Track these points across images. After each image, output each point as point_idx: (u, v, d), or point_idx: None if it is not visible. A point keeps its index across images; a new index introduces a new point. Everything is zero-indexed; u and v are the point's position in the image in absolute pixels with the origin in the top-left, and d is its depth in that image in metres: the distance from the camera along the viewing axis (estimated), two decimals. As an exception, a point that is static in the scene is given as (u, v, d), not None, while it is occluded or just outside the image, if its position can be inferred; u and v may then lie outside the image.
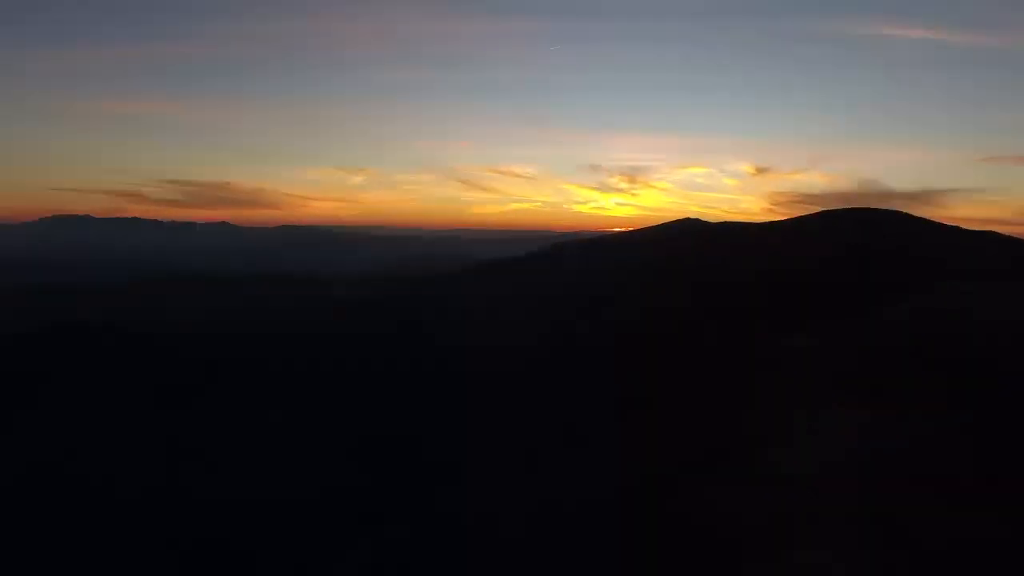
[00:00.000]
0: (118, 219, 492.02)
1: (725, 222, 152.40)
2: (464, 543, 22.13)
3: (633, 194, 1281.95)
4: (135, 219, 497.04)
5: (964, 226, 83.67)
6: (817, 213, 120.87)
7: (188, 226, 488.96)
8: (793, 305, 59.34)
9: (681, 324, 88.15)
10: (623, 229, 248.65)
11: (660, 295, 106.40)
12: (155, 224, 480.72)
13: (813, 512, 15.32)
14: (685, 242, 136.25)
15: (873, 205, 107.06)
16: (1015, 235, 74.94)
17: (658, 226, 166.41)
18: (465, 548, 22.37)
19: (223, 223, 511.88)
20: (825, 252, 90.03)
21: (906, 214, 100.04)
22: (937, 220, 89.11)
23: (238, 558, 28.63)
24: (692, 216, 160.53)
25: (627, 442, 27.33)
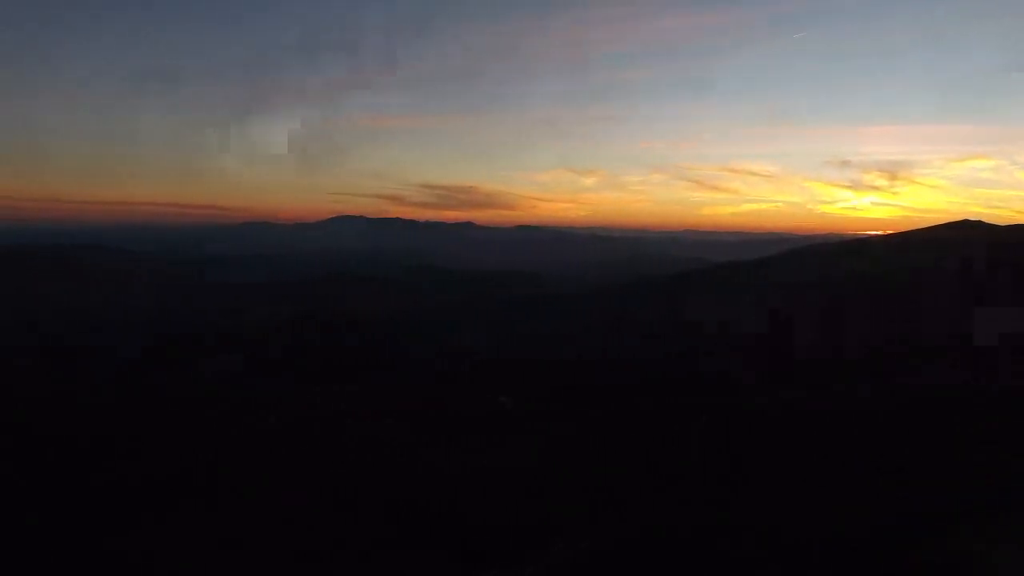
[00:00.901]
0: (383, 219, 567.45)
1: (1021, 224, 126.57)
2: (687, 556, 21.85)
3: (893, 192, 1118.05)
4: (397, 219, 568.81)
5: None
6: None
7: (438, 225, 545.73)
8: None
9: (952, 341, 75.15)
10: (880, 232, 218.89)
11: (924, 308, 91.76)
12: (412, 223, 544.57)
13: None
14: (963, 247, 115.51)
15: None
16: None
17: (927, 228, 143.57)
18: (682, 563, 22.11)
19: (467, 223, 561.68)
20: None
21: None
22: None
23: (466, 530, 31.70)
24: (972, 218, 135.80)
25: (884, 472, 24.62)
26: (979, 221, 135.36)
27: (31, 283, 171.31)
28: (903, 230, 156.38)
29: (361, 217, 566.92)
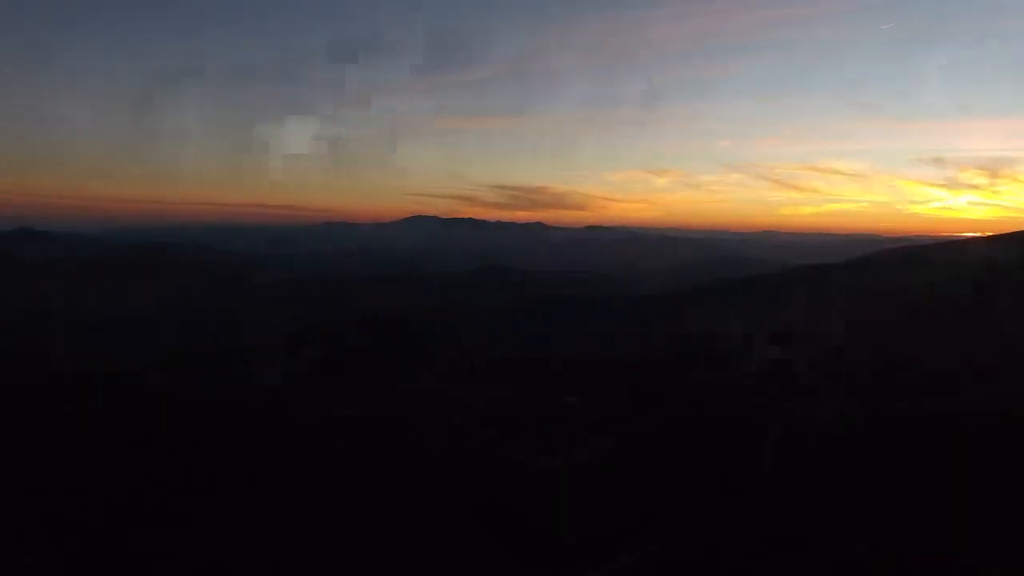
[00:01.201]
0: (456, 219, 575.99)
1: None
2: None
3: (994, 191, 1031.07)
4: (469, 219, 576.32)
5: None
6: None
7: (508, 225, 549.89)
8: None
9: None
10: (978, 234, 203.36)
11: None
12: (482, 223, 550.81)
13: None
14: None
15: None
16: None
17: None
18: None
19: (538, 223, 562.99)
20: None
21: None
22: None
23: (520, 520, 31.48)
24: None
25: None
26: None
27: (134, 283, 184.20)
28: (1005, 232, 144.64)
29: (434, 217, 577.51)
